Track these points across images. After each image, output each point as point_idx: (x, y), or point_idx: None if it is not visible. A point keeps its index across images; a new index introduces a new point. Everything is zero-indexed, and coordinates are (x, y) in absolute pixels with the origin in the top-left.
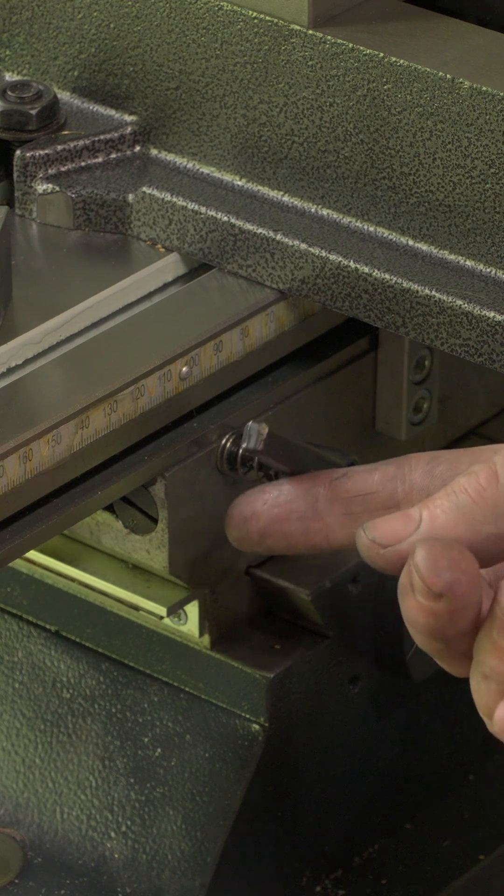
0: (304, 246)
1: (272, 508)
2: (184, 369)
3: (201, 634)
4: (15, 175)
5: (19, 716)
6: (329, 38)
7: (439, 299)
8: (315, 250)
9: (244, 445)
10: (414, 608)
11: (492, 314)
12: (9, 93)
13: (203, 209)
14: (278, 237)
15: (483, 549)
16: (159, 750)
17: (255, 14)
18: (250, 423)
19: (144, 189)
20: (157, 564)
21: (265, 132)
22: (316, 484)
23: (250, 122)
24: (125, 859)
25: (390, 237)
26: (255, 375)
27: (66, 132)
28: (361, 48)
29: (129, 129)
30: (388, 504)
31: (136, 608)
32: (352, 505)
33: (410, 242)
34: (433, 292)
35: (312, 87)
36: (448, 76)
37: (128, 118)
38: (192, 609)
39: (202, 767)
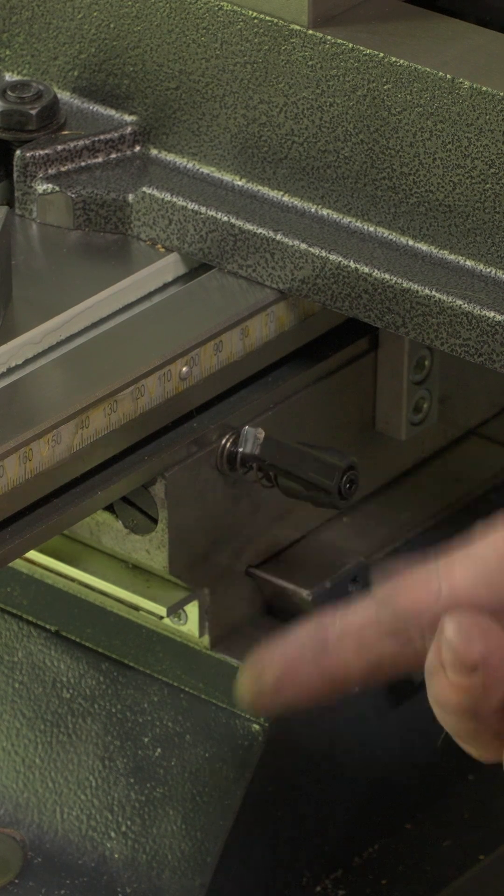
0: (304, 246)
1: (282, 656)
2: (184, 369)
3: (201, 634)
4: (15, 175)
5: (19, 716)
6: (329, 38)
7: (439, 299)
8: (315, 250)
9: (241, 450)
10: (446, 688)
11: (492, 314)
12: (9, 93)
13: (203, 209)
14: (278, 237)
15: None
16: (159, 750)
17: (255, 14)
18: (246, 427)
19: (144, 189)
20: (157, 564)
21: (265, 132)
22: (320, 628)
23: (250, 122)
24: (125, 859)
25: (390, 237)
26: (255, 375)
27: (66, 132)
28: (361, 48)
29: (129, 129)
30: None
31: (136, 608)
32: (362, 637)
33: (410, 242)
34: (433, 292)
35: (312, 87)
36: (448, 76)
37: (128, 118)
38: (192, 609)
39: (202, 767)
